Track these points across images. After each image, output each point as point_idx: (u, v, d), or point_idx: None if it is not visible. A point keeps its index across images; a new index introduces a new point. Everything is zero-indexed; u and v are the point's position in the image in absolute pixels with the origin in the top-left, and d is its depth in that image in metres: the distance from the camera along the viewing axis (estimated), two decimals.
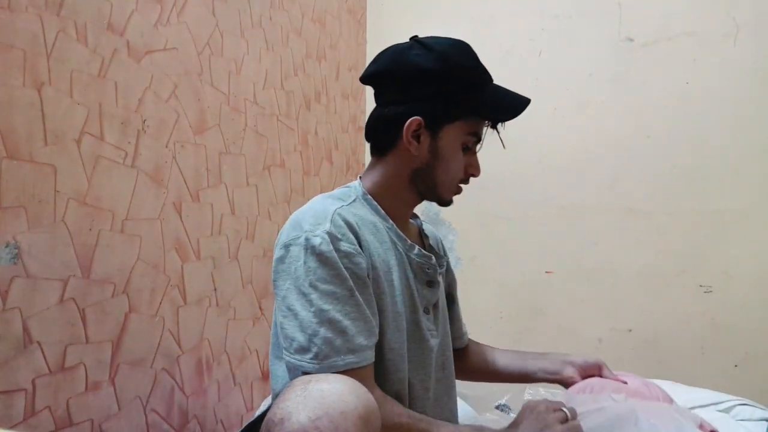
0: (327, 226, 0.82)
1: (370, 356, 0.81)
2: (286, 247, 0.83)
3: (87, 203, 1.07)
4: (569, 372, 1.07)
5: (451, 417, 1.00)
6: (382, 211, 0.92)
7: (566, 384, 1.07)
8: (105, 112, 1.11)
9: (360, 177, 0.97)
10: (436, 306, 0.97)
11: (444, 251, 1.10)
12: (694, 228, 1.81)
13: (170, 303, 1.27)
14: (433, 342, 0.94)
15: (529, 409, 0.86)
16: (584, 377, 1.07)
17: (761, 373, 1.70)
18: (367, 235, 0.87)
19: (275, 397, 0.90)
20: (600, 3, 1.96)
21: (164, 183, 1.26)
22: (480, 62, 0.94)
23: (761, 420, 1.26)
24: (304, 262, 0.80)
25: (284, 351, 0.82)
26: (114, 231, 1.13)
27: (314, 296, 0.79)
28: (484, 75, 0.94)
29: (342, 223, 0.83)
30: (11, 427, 0.92)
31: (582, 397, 0.98)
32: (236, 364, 1.50)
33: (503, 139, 0.97)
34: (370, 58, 0.97)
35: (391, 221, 0.92)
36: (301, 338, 0.79)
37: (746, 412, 1.29)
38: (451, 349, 1.04)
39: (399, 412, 0.81)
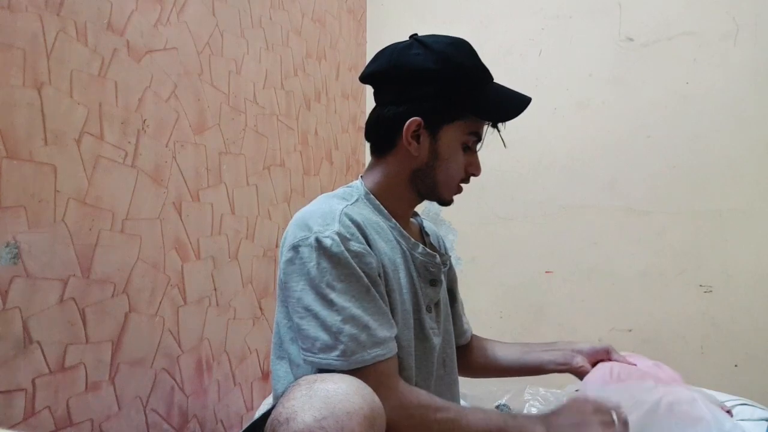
0: (336, 226, 0.82)
1: (393, 347, 0.81)
2: (295, 248, 0.82)
3: (87, 203, 1.07)
4: (578, 361, 1.07)
5: None
6: (385, 211, 0.92)
7: (576, 373, 1.07)
8: (105, 111, 1.11)
9: (361, 177, 0.97)
10: (438, 304, 0.97)
11: (445, 249, 1.10)
12: (694, 228, 1.81)
13: (170, 303, 1.27)
14: (436, 340, 0.94)
15: (575, 402, 0.84)
16: (593, 364, 1.06)
17: (761, 373, 1.70)
18: (373, 235, 0.87)
19: (277, 396, 0.90)
20: (600, 3, 1.96)
21: (164, 183, 1.26)
22: (480, 61, 0.93)
23: (761, 420, 1.26)
24: (318, 263, 0.80)
25: (305, 352, 0.80)
26: (114, 231, 1.13)
27: (333, 295, 0.79)
28: (484, 74, 0.93)
29: (350, 223, 0.83)
30: (11, 427, 0.92)
31: (613, 389, 0.96)
32: (236, 364, 1.50)
33: (504, 138, 0.96)
34: (370, 58, 0.97)
35: (394, 220, 0.92)
36: (325, 337, 0.78)
37: (746, 412, 1.29)
38: (453, 347, 1.04)
39: (427, 401, 0.81)
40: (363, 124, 2.22)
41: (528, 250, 2.00)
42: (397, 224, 0.92)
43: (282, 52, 1.73)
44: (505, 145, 0.98)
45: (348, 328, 0.77)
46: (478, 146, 0.96)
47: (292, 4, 1.78)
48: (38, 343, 0.97)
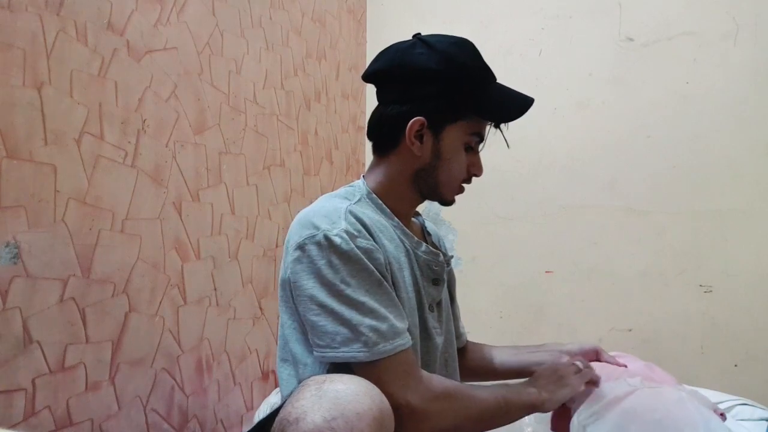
0: (343, 224, 0.82)
1: (409, 338, 0.82)
2: (302, 247, 0.82)
3: (87, 203, 1.07)
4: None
5: None
6: (388, 210, 0.92)
7: None
8: (105, 111, 1.11)
9: (363, 176, 0.97)
10: (440, 304, 0.97)
11: (445, 249, 1.10)
12: (694, 228, 1.81)
13: (170, 303, 1.27)
14: (438, 339, 0.94)
15: (549, 366, 0.95)
16: None
17: (761, 373, 1.70)
18: (377, 233, 0.87)
19: (284, 399, 0.90)
20: (600, 3, 1.96)
21: (164, 183, 1.26)
22: (483, 61, 0.93)
23: (761, 420, 1.26)
24: (329, 261, 0.80)
25: (323, 349, 0.80)
26: (114, 231, 1.13)
27: (348, 291, 0.79)
28: (487, 74, 0.93)
29: (355, 221, 0.83)
30: (11, 427, 0.92)
31: (604, 387, 0.98)
32: (236, 364, 1.50)
33: (506, 137, 0.96)
34: (370, 58, 0.97)
35: (396, 219, 0.92)
36: (344, 331, 0.77)
37: (746, 412, 1.29)
38: (455, 347, 1.04)
39: (451, 387, 0.84)
40: (363, 124, 2.24)
41: (528, 250, 2.00)
42: (400, 223, 0.92)
43: (282, 52, 1.73)
44: (508, 146, 0.98)
45: (368, 321, 0.77)
46: (481, 146, 0.96)
47: (292, 4, 1.78)
48: (38, 342, 0.97)
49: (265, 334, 1.62)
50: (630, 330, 1.87)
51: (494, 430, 0.88)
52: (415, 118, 0.88)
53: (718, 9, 1.81)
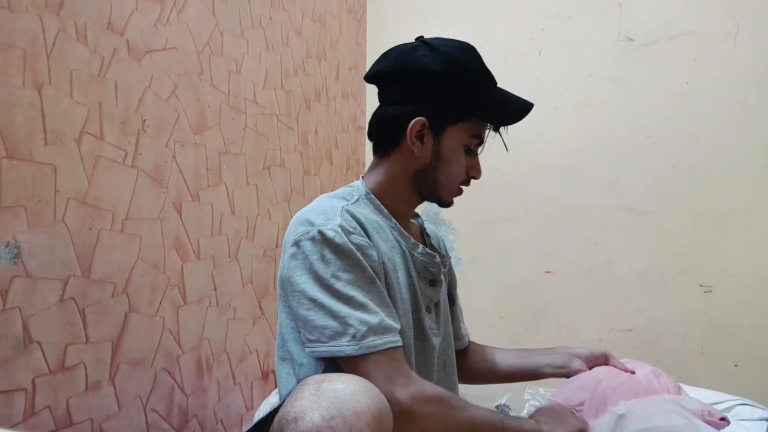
0: (338, 219, 0.82)
1: (399, 338, 0.81)
2: (297, 243, 0.82)
3: (87, 203, 1.07)
4: (576, 365, 1.07)
5: None
6: (386, 211, 0.92)
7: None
8: (105, 111, 1.11)
9: (362, 177, 0.97)
10: (437, 305, 0.97)
11: (445, 250, 1.10)
12: (694, 228, 1.81)
13: (170, 303, 1.27)
14: (436, 341, 0.94)
15: (550, 406, 0.97)
16: (590, 369, 1.07)
17: (761, 373, 1.70)
18: (373, 234, 0.87)
19: (282, 398, 0.90)
20: (600, 3, 1.95)
21: (164, 183, 1.26)
22: (485, 65, 0.94)
23: (761, 420, 1.26)
24: (321, 255, 0.80)
25: (313, 343, 0.79)
26: (114, 231, 1.13)
27: (339, 285, 0.78)
28: (488, 77, 0.94)
29: (351, 218, 0.84)
30: (11, 427, 0.92)
31: (587, 408, 0.99)
32: (236, 364, 1.50)
33: (505, 140, 0.96)
34: (370, 58, 0.97)
35: (394, 220, 0.92)
36: (333, 324, 0.77)
37: (746, 412, 1.29)
38: (453, 348, 1.04)
39: (442, 393, 0.82)
40: (363, 124, 2.24)
41: (528, 250, 2.00)
42: (398, 224, 0.92)
43: (282, 52, 1.73)
44: (507, 149, 0.98)
45: (358, 314, 0.77)
46: (480, 149, 0.96)
47: (292, 4, 1.78)
48: (38, 342, 0.97)
49: (265, 334, 1.62)
50: (630, 330, 1.87)
51: None
52: (416, 119, 0.88)
53: (718, 9, 1.81)
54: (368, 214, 0.90)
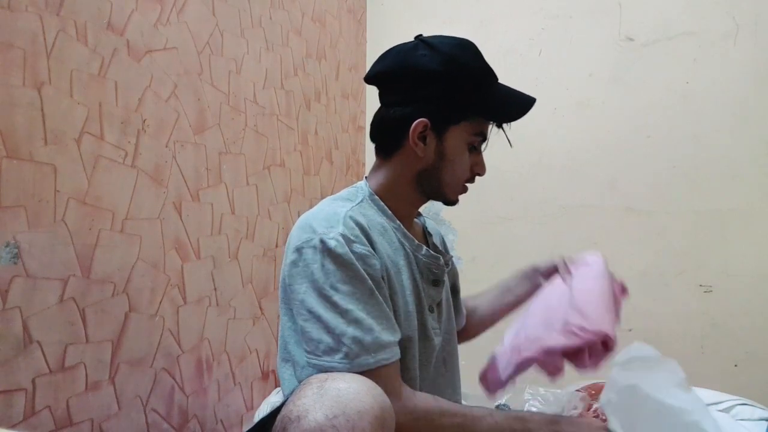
0: (340, 228, 0.81)
1: (397, 352, 0.81)
2: (299, 250, 0.82)
3: (87, 203, 1.07)
4: (539, 281, 1.12)
5: None
6: (389, 212, 0.92)
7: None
8: (105, 111, 1.11)
9: (366, 178, 0.97)
10: (440, 304, 0.97)
11: (445, 248, 1.10)
12: (694, 228, 1.81)
13: (170, 303, 1.27)
14: (437, 340, 0.94)
15: (584, 418, 0.93)
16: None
17: (761, 373, 1.70)
18: (376, 237, 0.87)
19: (286, 397, 0.90)
20: (600, 3, 1.95)
21: (164, 182, 1.26)
22: (485, 62, 0.93)
23: (761, 420, 1.26)
24: (322, 265, 0.79)
25: (308, 354, 0.80)
26: (114, 230, 1.13)
27: (337, 297, 0.78)
28: (489, 75, 0.93)
29: (354, 225, 0.83)
30: (11, 427, 0.92)
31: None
32: (236, 364, 1.50)
33: (509, 136, 0.97)
34: (370, 58, 0.97)
35: (398, 222, 0.92)
36: (328, 339, 0.77)
37: (746, 412, 1.29)
38: (455, 345, 1.04)
39: (432, 406, 0.82)
40: (363, 124, 2.24)
41: (528, 250, 2.00)
42: (401, 225, 0.92)
43: (282, 52, 1.73)
44: (510, 145, 0.98)
45: (351, 331, 0.77)
46: (484, 146, 0.96)
47: (292, 4, 1.78)
48: (38, 342, 0.97)
49: (265, 334, 1.62)
50: (630, 330, 1.87)
51: None
52: (418, 120, 0.87)
53: (718, 9, 1.81)
54: (372, 215, 0.89)
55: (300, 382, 0.87)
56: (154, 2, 1.23)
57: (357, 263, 0.80)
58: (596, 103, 1.95)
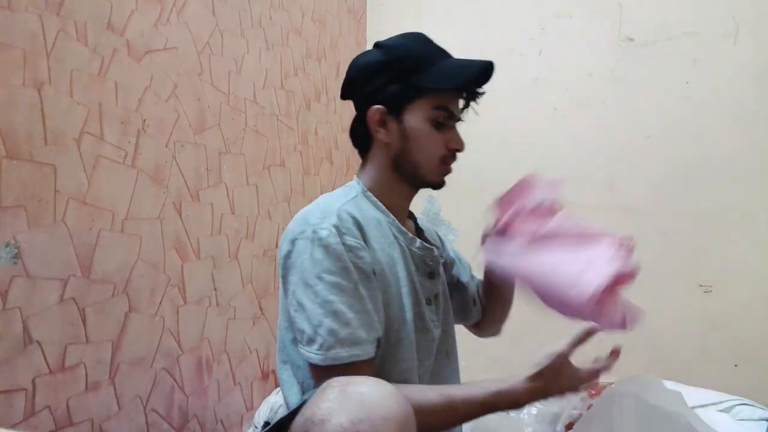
0: (333, 219, 0.83)
1: (370, 350, 0.81)
2: (293, 241, 0.84)
3: (87, 203, 1.07)
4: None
5: None
6: (383, 206, 0.94)
7: None
8: (105, 111, 1.11)
9: (356, 177, 0.99)
10: (437, 297, 0.98)
11: (442, 245, 1.11)
12: (693, 228, 1.81)
13: (170, 303, 1.27)
14: (436, 332, 0.95)
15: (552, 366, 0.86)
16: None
17: (761, 373, 1.70)
18: (371, 231, 0.88)
19: (287, 401, 0.90)
20: (600, 3, 1.95)
21: (164, 183, 1.26)
22: (432, 44, 0.95)
23: (761, 420, 1.26)
24: (311, 254, 0.81)
25: (298, 344, 0.82)
26: (114, 231, 1.13)
27: (320, 287, 0.79)
28: (433, 53, 0.94)
29: (347, 218, 0.85)
30: (11, 427, 0.92)
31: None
32: (236, 364, 1.50)
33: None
34: None
35: (392, 216, 0.94)
36: (308, 329, 0.79)
37: (746, 412, 1.29)
38: (455, 337, 1.05)
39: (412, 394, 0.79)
40: None
41: None
42: (395, 220, 0.94)
43: (282, 52, 1.73)
44: (476, 112, 0.98)
45: (328, 322, 0.78)
46: (454, 121, 0.95)
47: (292, 4, 1.78)
48: (38, 342, 0.97)
49: (265, 334, 1.62)
50: (631, 330, 1.87)
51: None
52: (372, 108, 0.92)
53: (718, 9, 1.81)
54: (368, 210, 0.91)
55: (299, 382, 0.87)
56: (154, 2, 1.23)
57: (346, 255, 0.81)
58: (596, 103, 1.95)
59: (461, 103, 0.96)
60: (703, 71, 1.82)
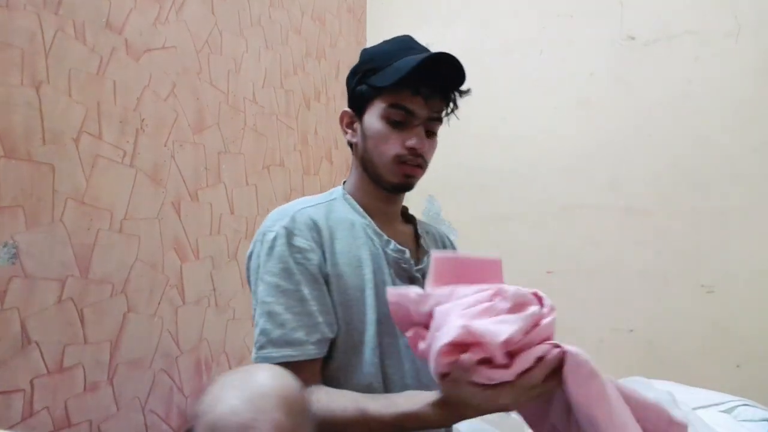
0: (285, 221, 0.85)
1: (311, 351, 0.80)
2: (252, 244, 0.88)
3: (85, 203, 1.06)
4: None
5: None
6: (360, 209, 0.94)
7: None
8: (103, 111, 1.11)
9: (343, 182, 1.00)
10: None
11: (450, 247, 1.09)
12: (695, 227, 1.81)
13: (169, 303, 1.27)
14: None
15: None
16: None
17: (763, 374, 1.70)
18: (339, 232, 0.89)
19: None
20: (601, 1, 1.95)
21: (163, 182, 1.26)
22: (407, 45, 0.92)
23: (763, 420, 1.26)
24: (258, 256, 0.85)
25: None
26: (112, 230, 1.12)
27: (260, 289, 0.83)
28: (399, 52, 0.91)
29: (303, 220, 0.86)
30: (9, 428, 0.91)
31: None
32: (235, 365, 1.49)
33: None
34: None
35: (368, 219, 0.94)
36: (255, 329, 0.83)
37: (748, 413, 1.29)
38: None
39: (320, 411, 0.75)
40: None
41: (528, 250, 2.00)
42: (372, 222, 0.94)
43: (281, 51, 1.72)
44: (458, 118, 0.95)
45: (262, 323, 0.81)
46: (428, 120, 0.90)
47: (291, 3, 1.77)
48: (36, 343, 0.97)
49: None
50: (631, 330, 1.86)
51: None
52: (342, 111, 0.96)
53: (720, 7, 1.80)
54: (342, 212, 0.92)
55: None
56: (152, 1, 1.23)
57: (291, 257, 0.83)
58: (597, 102, 1.94)
59: (437, 103, 0.91)
60: (704, 70, 1.82)
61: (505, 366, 0.63)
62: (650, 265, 1.85)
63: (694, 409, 1.26)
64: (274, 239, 0.83)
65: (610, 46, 1.93)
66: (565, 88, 1.97)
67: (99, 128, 1.09)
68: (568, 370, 0.64)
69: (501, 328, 0.62)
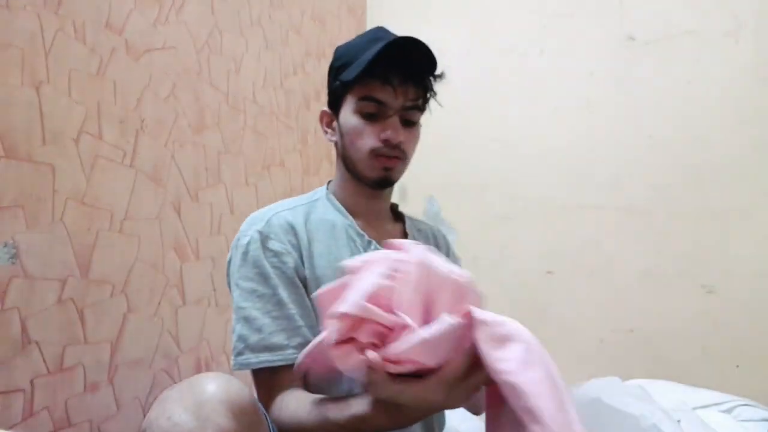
0: (260, 225, 0.85)
1: (290, 356, 0.78)
2: (232, 248, 0.88)
3: (85, 203, 1.06)
4: None
5: None
6: (344, 210, 0.93)
7: None
8: (103, 111, 1.11)
9: (328, 182, 1.00)
10: None
11: (447, 249, 1.07)
12: (695, 228, 1.81)
13: (169, 303, 1.27)
14: None
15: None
16: None
17: (763, 374, 1.70)
18: (318, 234, 0.88)
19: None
20: (601, 1, 1.95)
21: (163, 182, 1.26)
22: (376, 36, 0.89)
23: (763, 420, 1.26)
24: (233, 262, 0.85)
25: None
26: (113, 231, 1.12)
27: (236, 294, 0.83)
28: (367, 44, 0.88)
29: (278, 223, 0.86)
30: (9, 428, 0.91)
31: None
32: None
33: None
34: None
35: (350, 219, 0.92)
36: (232, 334, 0.82)
37: (748, 413, 1.29)
38: None
39: (297, 417, 0.74)
40: None
41: (528, 250, 2.00)
42: (354, 222, 0.92)
43: (281, 51, 1.72)
44: (441, 105, 0.95)
45: (239, 328, 0.80)
46: (402, 110, 0.88)
47: (291, 3, 1.77)
48: (36, 343, 0.97)
49: None
50: (631, 330, 1.86)
51: None
52: (321, 111, 0.96)
53: (720, 7, 1.80)
54: (324, 213, 0.92)
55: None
56: (152, 1, 1.23)
57: (266, 261, 0.82)
58: (597, 102, 1.94)
59: (414, 91, 0.88)
60: (704, 70, 1.82)
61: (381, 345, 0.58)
62: (650, 265, 1.85)
63: (694, 409, 1.26)
64: (248, 244, 0.83)
65: (611, 46, 1.93)
66: (565, 88, 1.97)
67: (99, 128, 1.09)
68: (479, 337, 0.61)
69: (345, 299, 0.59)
